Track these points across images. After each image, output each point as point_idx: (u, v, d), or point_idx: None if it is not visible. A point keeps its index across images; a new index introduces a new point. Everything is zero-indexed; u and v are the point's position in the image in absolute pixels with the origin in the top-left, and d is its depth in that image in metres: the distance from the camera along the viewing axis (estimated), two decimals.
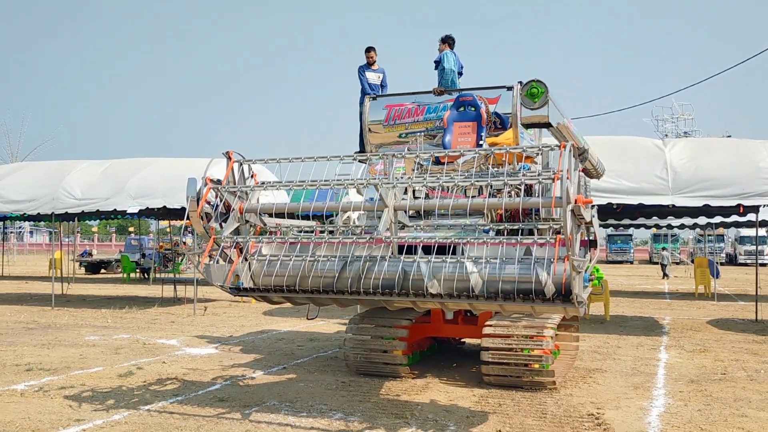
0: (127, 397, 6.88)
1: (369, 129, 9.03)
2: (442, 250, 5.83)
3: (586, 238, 6.01)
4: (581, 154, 7.26)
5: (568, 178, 4.82)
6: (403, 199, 5.97)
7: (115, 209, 15.11)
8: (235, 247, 6.22)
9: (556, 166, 7.68)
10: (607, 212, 13.12)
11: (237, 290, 6.26)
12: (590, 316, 14.34)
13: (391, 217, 5.63)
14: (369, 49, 9.87)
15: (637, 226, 22.78)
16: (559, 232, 5.58)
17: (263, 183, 6.39)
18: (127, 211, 15.15)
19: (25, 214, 17.44)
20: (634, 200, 11.47)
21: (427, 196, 7.32)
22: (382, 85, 9.61)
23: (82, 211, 15.49)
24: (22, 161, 40.13)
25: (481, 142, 7.96)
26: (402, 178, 5.78)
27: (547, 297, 5.34)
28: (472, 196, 6.55)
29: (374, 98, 9.13)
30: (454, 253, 5.83)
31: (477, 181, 5.29)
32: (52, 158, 17.53)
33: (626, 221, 17.51)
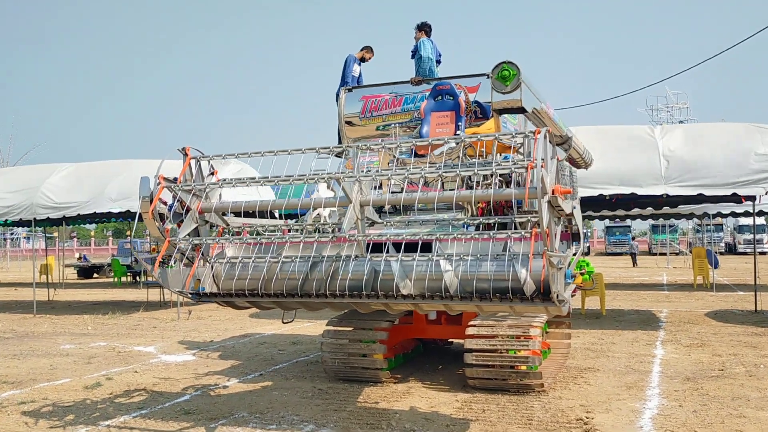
0: (89, 412, 6.49)
1: (345, 122, 8.63)
2: (418, 247, 5.44)
3: (568, 231, 5.63)
4: (564, 142, 6.88)
5: (543, 166, 4.42)
6: (378, 194, 5.58)
7: (95, 212, 14.71)
8: (194, 250, 5.81)
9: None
10: (601, 203, 12.70)
11: (198, 296, 5.86)
12: (586, 311, 13.97)
13: (356, 213, 5.23)
14: (369, 50, 9.37)
15: (633, 217, 22.41)
16: (537, 226, 5.20)
17: (223, 180, 5.97)
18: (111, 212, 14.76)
19: (8, 220, 17.07)
20: (626, 190, 11.06)
21: (403, 191, 6.92)
22: (358, 80, 9.20)
23: (63, 216, 15.10)
24: (13, 166, 39.70)
25: (459, 132, 7.57)
26: (370, 171, 5.37)
27: (526, 296, 4.94)
28: (450, 189, 6.15)
29: (350, 90, 8.72)
30: (429, 250, 5.44)
31: (445, 172, 4.88)
32: (44, 163, 17.18)
33: (620, 212, 17.08)
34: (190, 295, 5.86)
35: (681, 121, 37.65)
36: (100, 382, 7.80)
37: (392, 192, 6.78)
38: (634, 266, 32.78)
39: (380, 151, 7.60)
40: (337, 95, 8.82)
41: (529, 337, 6.94)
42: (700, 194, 10.77)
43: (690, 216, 23.02)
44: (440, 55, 8.62)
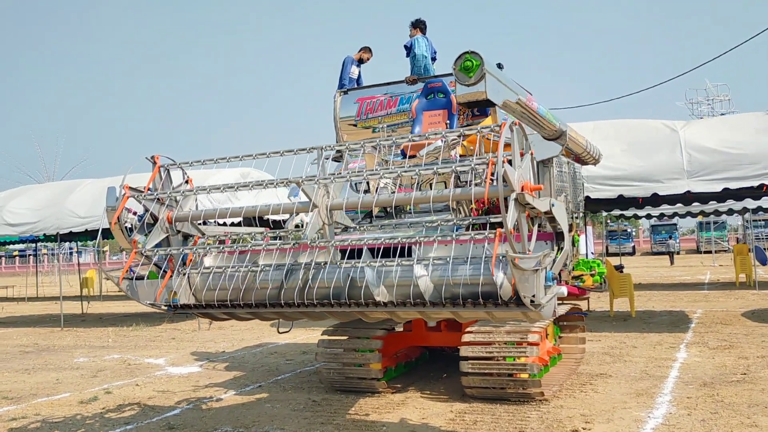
0: (75, 427, 6.39)
1: (341, 126, 8.42)
2: (394, 252, 5.17)
3: (543, 231, 5.29)
4: (559, 136, 6.52)
5: (504, 162, 4.11)
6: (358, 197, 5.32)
7: None
8: (168, 260, 5.66)
9: (535, 152, 6.99)
10: (629, 203, 12.15)
11: (173, 308, 5.68)
12: (615, 313, 13.46)
13: (323, 218, 4.99)
14: (367, 50, 9.18)
15: (683, 215, 21.44)
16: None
17: (198, 187, 5.78)
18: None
19: (41, 236, 17.33)
20: (646, 189, 10.55)
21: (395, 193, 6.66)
22: (357, 81, 8.98)
23: (86, 230, 15.25)
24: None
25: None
26: (334, 174, 5.12)
27: (501, 301, 4.62)
28: (438, 190, 5.86)
29: (345, 92, 8.52)
30: (409, 255, 5.17)
31: (404, 172, 4.61)
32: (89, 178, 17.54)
33: (632, 210, 16.36)
34: (165, 308, 5.70)
35: (723, 114, 36.31)
36: (97, 396, 7.72)
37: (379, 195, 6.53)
38: (671, 265, 32.01)
39: (366, 153, 7.37)
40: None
41: (529, 343, 6.58)
42: (725, 189, 10.20)
43: (743, 211, 22.09)
44: (435, 53, 8.34)
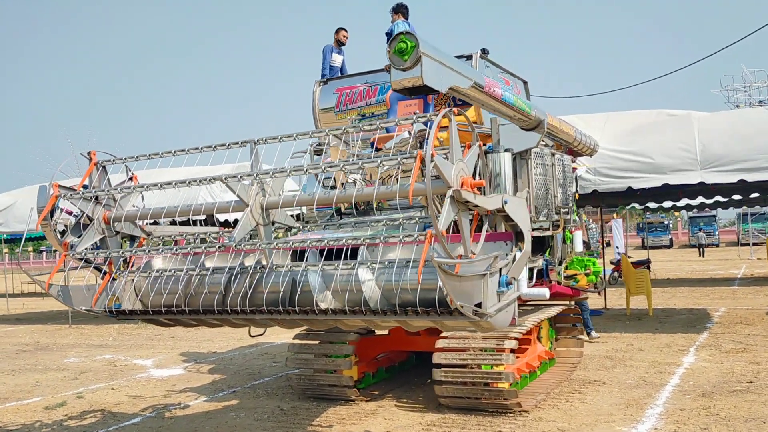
0: None
1: (320, 118, 8.01)
2: (352, 254, 4.75)
3: (497, 231, 4.81)
4: (536, 126, 6.00)
5: (434, 155, 3.65)
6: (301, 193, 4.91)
7: None
8: (107, 264, 5.31)
9: (512, 144, 6.48)
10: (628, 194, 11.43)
11: (114, 314, 5.34)
12: (631, 311, 12.82)
13: (256, 218, 4.59)
14: (340, 30, 8.81)
15: (726, 206, 20.29)
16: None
17: (140, 185, 5.41)
18: None
19: None
20: (657, 180, 9.90)
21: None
22: (342, 70, 8.54)
23: None
24: None
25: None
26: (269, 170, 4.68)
27: (448, 309, 4.14)
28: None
29: (324, 82, 8.10)
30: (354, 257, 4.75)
31: (328, 166, 4.18)
32: None
33: (652, 204, 15.55)
34: (107, 313, 5.36)
35: (760, 102, 34.82)
36: (66, 402, 7.46)
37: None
38: (700, 257, 31.20)
39: (331, 146, 6.94)
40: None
41: (503, 350, 6.09)
42: (741, 180, 9.49)
43: None
44: None
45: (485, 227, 4.39)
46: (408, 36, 3.98)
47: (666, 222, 48.43)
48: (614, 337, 10.10)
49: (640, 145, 10.22)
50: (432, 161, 3.64)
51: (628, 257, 16.31)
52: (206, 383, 8.16)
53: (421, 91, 4.24)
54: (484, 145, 6.73)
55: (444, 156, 3.82)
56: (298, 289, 4.75)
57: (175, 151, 5.12)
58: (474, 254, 4.09)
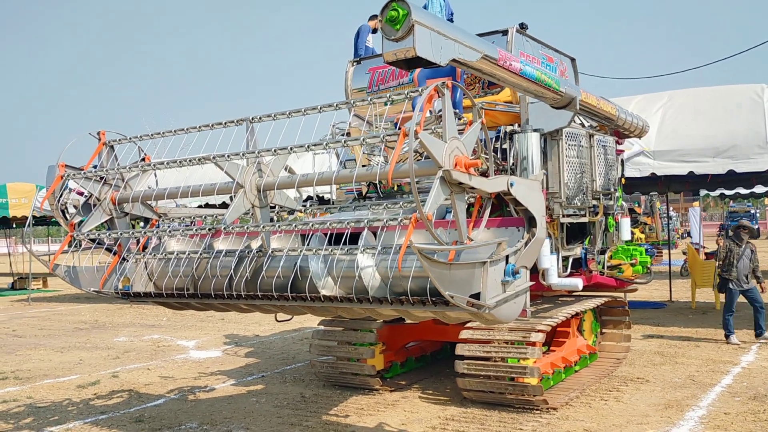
0: (50, 415, 6.19)
1: (353, 98, 7.74)
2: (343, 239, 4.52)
3: (495, 215, 4.45)
4: (568, 104, 5.57)
5: (418, 131, 3.35)
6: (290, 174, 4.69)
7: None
8: (117, 245, 5.25)
9: (541, 124, 6.07)
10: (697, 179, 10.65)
11: (125, 296, 5.27)
12: (696, 304, 12.09)
13: (251, 200, 4.40)
14: (375, 17, 8.50)
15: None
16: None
17: (149, 164, 5.31)
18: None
19: None
20: (721, 166, 9.17)
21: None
22: (373, 52, 8.25)
23: None
24: None
25: (455, 101, 6.47)
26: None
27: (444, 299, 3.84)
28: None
29: (358, 62, 7.83)
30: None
31: (313, 145, 3.93)
32: None
33: (726, 191, 14.56)
34: (119, 295, 5.30)
35: None
36: (99, 380, 7.55)
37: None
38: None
39: (351, 126, 6.69)
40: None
41: (531, 343, 5.72)
42: None
43: None
44: (452, 14, 7.50)
45: (486, 213, 4.06)
46: (400, 3, 3.67)
47: (753, 211, 45.82)
48: (672, 331, 9.50)
49: (702, 126, 9.52)
50: (417, 138, 3.34)
51: (704, 248, 15.44)
52: (238, 366, 8.11)
53: (418, 64, 3.93)
54: (512, 125, 6.38)
55: (432, 132, 3.51)
56: (299, 276, 4.56)
57: (187, 129, 4.96)
58: (470, 240, 3.78)
